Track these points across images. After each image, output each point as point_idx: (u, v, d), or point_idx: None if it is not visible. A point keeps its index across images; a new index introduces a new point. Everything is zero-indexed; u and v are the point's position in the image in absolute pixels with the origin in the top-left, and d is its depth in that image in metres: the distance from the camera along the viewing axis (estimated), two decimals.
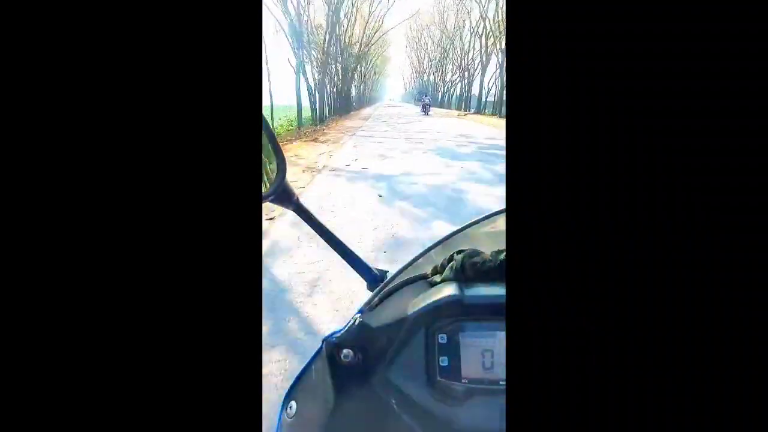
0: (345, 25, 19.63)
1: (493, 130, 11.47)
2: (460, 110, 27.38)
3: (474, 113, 23.27)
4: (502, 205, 0.38)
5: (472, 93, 28.80)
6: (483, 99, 25.15)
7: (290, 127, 12.64)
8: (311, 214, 0.54)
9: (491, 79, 24.03)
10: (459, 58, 31.66)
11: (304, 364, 0.44)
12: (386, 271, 0.56)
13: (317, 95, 16.11)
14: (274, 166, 0.48)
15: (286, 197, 0.49)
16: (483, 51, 24.46)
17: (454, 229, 0.48)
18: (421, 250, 0.48)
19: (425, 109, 21.25)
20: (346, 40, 20.65)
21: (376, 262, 1.27)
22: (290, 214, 0.81)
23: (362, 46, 23.20)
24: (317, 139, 9.72)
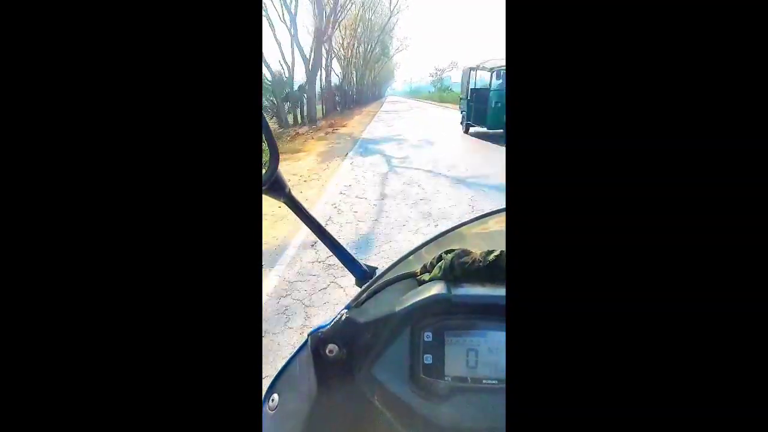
0: None
1: None
2: None
3: None
4: None
5: None
6: None
7: None
8: (302, 206, 0.53)
9: None
10: None
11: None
12: (375, 268, 0.56)
13: None
14: (266, 156, 0.47)
15: (278, 187, 0.49)
16: None
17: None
18: (410, 249, 0.48)
19: None
20: None
21: None
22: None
23: None
24: None
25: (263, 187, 0.47)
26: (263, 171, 0.47)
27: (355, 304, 0.44)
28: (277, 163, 0.47)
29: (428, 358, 0.38)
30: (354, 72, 27.14)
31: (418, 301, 0.40)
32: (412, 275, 0.47)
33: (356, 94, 28.80)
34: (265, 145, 0.46)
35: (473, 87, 8.59)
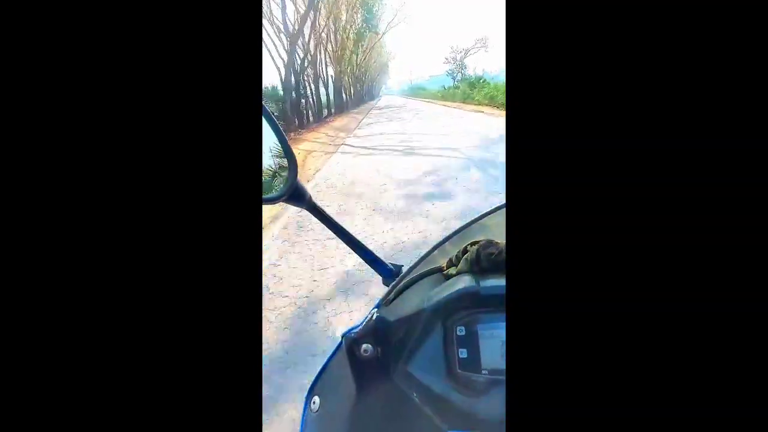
0: None
1: None
2: None
3: None
4: None
5: None
6: None
7: None
8: (325, 213, 0.54)
9: None
10: None
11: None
12: (401, 266, 0.57)
13: None
14: (285, 166, 0.49)
15: (299, 197, 0.50)
16: None
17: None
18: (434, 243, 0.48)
19: None
20: None
21: None
22: None
23: None
24: None
25: (285, 197, 0.49)
26: (282, 180, 0.48)
27: (385, 303, 0.44)
28: (296, 173, 0.48)
29: (463, 353, 0.38)
30: (308, 54, 15.19)
31: (447, 295, 0.40)
32: (438, 270, 0.47)
33: (315, 101, 16.32)
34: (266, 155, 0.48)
35: None
